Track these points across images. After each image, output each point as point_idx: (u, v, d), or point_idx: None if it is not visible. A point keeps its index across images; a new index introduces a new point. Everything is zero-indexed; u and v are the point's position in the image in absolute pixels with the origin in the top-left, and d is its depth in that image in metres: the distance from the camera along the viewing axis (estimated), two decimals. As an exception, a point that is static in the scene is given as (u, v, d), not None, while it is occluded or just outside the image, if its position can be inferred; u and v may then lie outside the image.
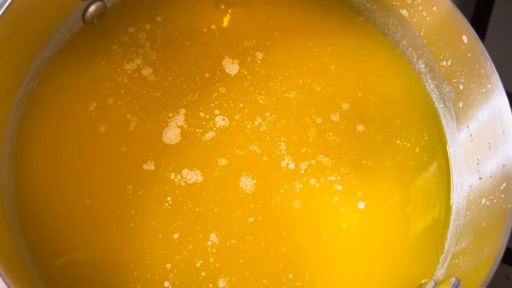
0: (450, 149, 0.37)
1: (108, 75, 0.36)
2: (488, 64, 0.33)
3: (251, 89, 0.37)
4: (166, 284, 0.31)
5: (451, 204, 0.36)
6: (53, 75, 0.35)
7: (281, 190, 0.34)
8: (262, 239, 0.33)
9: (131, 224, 0.32)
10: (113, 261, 0.31)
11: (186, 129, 0.35)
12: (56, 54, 0.36)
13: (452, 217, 0.35)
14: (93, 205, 0.32)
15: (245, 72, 0.37)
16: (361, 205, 0.34)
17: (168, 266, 0.31)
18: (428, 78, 0.39)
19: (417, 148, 0.37)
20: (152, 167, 0.34)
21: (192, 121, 0.35)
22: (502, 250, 0.28)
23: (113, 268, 0.31)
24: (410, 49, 0.39)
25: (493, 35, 0.51)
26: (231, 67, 0.37)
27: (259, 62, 0.38)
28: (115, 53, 0.36)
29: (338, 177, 0.34)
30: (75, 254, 0.31)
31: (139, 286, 0.31)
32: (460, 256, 0.32)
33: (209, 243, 0.32)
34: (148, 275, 0.31)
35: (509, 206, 0.29)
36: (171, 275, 0.31)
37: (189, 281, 0.31)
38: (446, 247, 0.34)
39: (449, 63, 0.36)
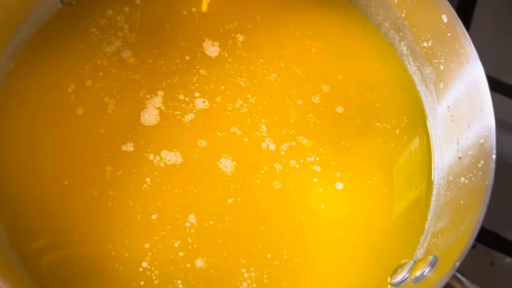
0: (432, 131, 0.37)
1: (87, 58, 0.35)
2: (467, 42, 0.33)
3: (232, 72, 0.36)
4: (144, 264, 0.31)
5: (432, 184, 0.36)
6: (31, 56, 0.35)
7: (261, 172, 0.34)
8: (241, 220, 0.32)
9: (110, 204, 0.32)
10: (91, 241, 0.31)
11: (165, 111, 0.35)
12: (34, 35, 0.35)
13: (433, 197, 0.35)
14: (71, 186, 0.32)
15: (226, 55, 0.37)
16: (339, 185, 0.34)
17: (147, 245, 0.31)
18: (410, 60, 0.39)
19: (398, 130, 0.36)
20: (131, 148, 0.33)
21: (172, 104, 0.35)
22: (478, 226, 0.28)
23: (90, 247, 0.31)
24: (392, 31, 0.39)
25: (479, 22, 0.50)
26: (212, 49, 0.37)
27: (240, 44, 0.37)
28: (94, 36, 0.36)
29: (317, 158, 0.34)
30: (52, 234, 0.31)
31: (116, 265, 0.31)
32: (439, 235, 0.32)
33: (187, 224, 0.32)
34: (126, 254, 0.31)
35: (486, 182, 0.29)
36: (149, 254, 0.31)
37: (167, 261, 0.31)
38: (426, 227, 0.34)
39: (430, 44, 0.36)
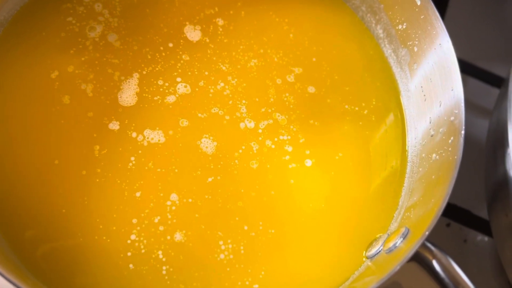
0: (406, 111, 0.38)
1: (70, 43, 0.35)
2: (439, 24, 0.34)
3: (214, 58, 0.37)
4: (133, 237, 0.31)
5: (407, 162, 0.37)
6: (9, 40, 0.35)
7: (240, 151, 0.34)
8: (219, 196, 0.33)
9: (97, 180, 0.32)
10: (79, 215, 0.32)
11: (149, 93, 0.35)
12: (15, 17, 0.35)
13: (406, 174, 0.36)
14: (62, 165, 0.32)
15: (207, 40, 0.37)
16: (308, 162, 0.34)
17: (134, 221, 0.32)
18: (386, 43, 0.40)
19: (366, 111, 0.37)
20: (117, 127, 0.34)
21: (155, 87, 0.35)
22: (447, 197, 0.29)
23: (78, 221, 0.31)
24: (368, 14, 0.40)
25: (454, 7, 0.52)
26: (193, 34, 0.38)
27: (221, 30, 0.38)
28: (72, 26, 0.36)
29: (289, 137, 0.35)
30: (41, 209, 0.32)
31: (104, 237, 0.31)
32: (412, 209, 0.33)
33: (169, 202, 0.32)
34: (114, 228, 0.32)
35: (455, 157, 0.31)
36: (138, 228, 0.32)
37: (149, 235, 0.32)
38: (400, 203, 0.35)
39: (404, 26, 0.37)
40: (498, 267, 0.44)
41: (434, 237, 0.45)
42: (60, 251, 0.31)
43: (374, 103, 0.37)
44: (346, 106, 0.37)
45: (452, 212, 0.45)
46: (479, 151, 0.43)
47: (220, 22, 0.38)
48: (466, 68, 0.50)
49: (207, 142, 0.34)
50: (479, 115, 0.48)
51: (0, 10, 0.34)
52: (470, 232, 0.45)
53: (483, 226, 0.44)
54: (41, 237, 0.31)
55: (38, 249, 0.31)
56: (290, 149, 0.35)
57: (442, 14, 0.49)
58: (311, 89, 0.37)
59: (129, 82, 0.35)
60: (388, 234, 0.33)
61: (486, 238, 0.45)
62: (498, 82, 0.48)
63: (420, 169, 0.35)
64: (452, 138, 0.32)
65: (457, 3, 0.52)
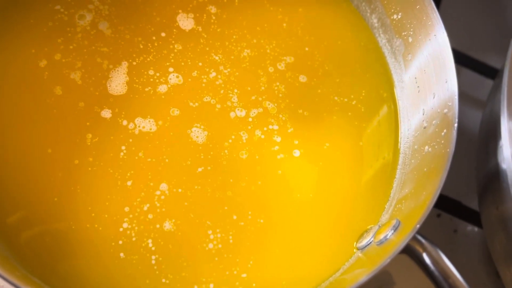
0: (399, 102, 0.38)
1: (58, 32, 0.34)
2: (435, 14, 0.33)
3: (207, 49, 0.36)
4: (125, 225, 0.31)
5: (399, 154, 0.36)
6: None
7: (230, 141, 0.33)
8: (209, 186, 0.32)
9: (89, 169, 0.32)
10: (71, 204, 0.31)
11: (140, 82, 0.35)
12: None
13: (399, 166, 0.36)
14: (54, 153, 0.32)
15: (200, 29, 0.36)
16: (296, 152, 0.33)
17: (126, 209, 0.31)
18: (380, 32, 0.39)
19: (365, 102, 0.36)
20: (109, 115, 0.33)
21: (144, 77, 0.34)
22: (439, 190, 0.28)
23: (70, 210, 0.31)
24: (363, 3, 0.39)
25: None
26: (186, 23, 0.36)
27: (214, 18, 0.36)
28: (61, 14, 0.34)
29: (277, 126, 0.34)
30: (33, 197, 0.31)
31: (96, 225, 0.31)
32: (403, 201, 0.33)
33: (158, 192, 0.32)
34: (106, 215, 0.31)
35: (448, 150, 0.30)
36: (130, 215, 0.31)
37: (139, 224, 0.31)
38: (392, 194, 0.35)
39: (399, 16, 0.36)
40: (487, 258, 0.44)
41: (425, 227, 0.44)
42: (52, 240, 0.30)
43: (366, 93, 0.36)
44: (336, 98, 0.35)
45: (443, 203, 0.45)
46: (471, 142, 0.42)
47: (213, 9, 0.37)
48: (460, 59, 0.49)
49: (198, 131, 0.34)
50: (472, 106, 0.47)
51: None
52: (460, 223, 0.45)
53: (473, 217, 0.44)
54: (33, 226, 0.31)
55: (30, 238, 0.30)
56: (278, 139, 0.34)
57: (437, 3, 0.49)
58: (303, 78, 0.36)
59: (118, 70, 0.34)
60: (379, 226, 0.33)
61: (476, 229, 0.44)
62: (492, 73, 0.48)
63: (412, 161, 0.34)
64: (445, 130, 0.31)
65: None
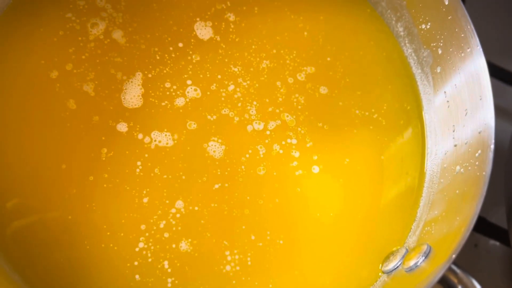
0: (426, 116, 0.35)
1: (69, 42, 0.32)
2: (469, 27, 0.31)
3: (226, 60, 0.34)
4: (141, 245, 0.29)
5: (425, 171, 0.34)
6: (8, 32, 0.31)
7: (247, 156, 0.32)
8: (225, 204, 0.30)
9: (105, 186, 0.30)
10: (85, 222, 0.29)
11: (156, 96, 0.33)
12: (10, 7, 0.32)
13: (425, 184, 0.34)
14: (68, 169, 0.30)
15: (219, 39, 0.34)
16: (315, 169, 0.31)
17: (143, 227, 0.29)
18: (406, 42, 0.36)
19: (390, 115, 0.35)
20: (125, 129, 0.31)
21: (160, 90, 0.33)
22: (475, 218, 0.26)
23: (84, 229, 0.29)
24: (389, 11, 0.37)
25: (476, 4, 0.49)
26: (204, 32, 0.34)
27: (232, 27, 0.34)
28: (72, 23, 0.32)
29: (296, 141, 0.32)
30: (47, 214, 0.29)
31: (111, 245, 0.29)
32: (432, 224, 0.31)
33: (173, 210, 0.30)
34: (122, 234, 0.29)
35: (483, 173, 0.28)
36: (146, 234, 0.29)
37: (157, 242, 0.29)
38: (418, 214, 0.33)
39: (428, 26, 0.34)
40: (509, 274, 0.42)
41: (472, 254, 0.43)
42: (66, 260, 0.29)
43: (388, 106, 0.34)
44: (357, 111, 0.33)
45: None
46: (500, 156, 0.40)
47: (232, 17, 0.35)
48: (493, 71, 0.47)
49: (215, 145, 0.32)
50: (502, 118, 0.45)
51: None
52: (481, 238, 0.43)
53: (498, 234, 0.42)
54: (45, 245, 0.29)
55: (42, 257, 0.29)
56: (297, 154, 0.32)
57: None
58: (323, 90, 0.34)
59: (132, 82, 0.32)
60: (407, 249, 0.30)
61: (497, 244, 0.43)
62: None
63: (442, 180, 0.32)
64: (479, 151, 0.29)
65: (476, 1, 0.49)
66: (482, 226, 0.42)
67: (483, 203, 0.42)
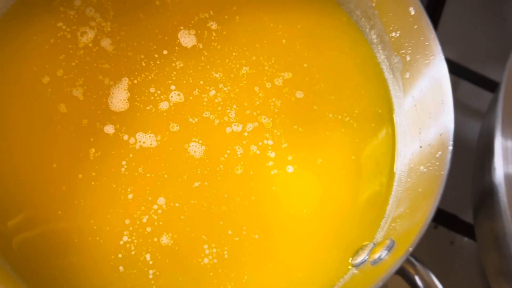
0: (397, 118, 0.37)
1: (59, 50, 0.34)
2: (432, 36, 0.33)
3: (208, 67, 0.35)
4: (125, 238, 0.31)
5: (394, 171, 0.36)
6: (2, 39, 0.33)
7: (225, 156, 0.33)
8: (205, 201, 0.32)
9: (93, 183, 0.32)
10: (74, 218, 0.31)
11: (141, 100, 0.35)
12: (5, 15, 0.34)
13: (394, 183, 0.35)
14: (59, 168, 0.32)
15: (201, 46, 0.36)
16: (290, 168, 0.33)
17: (127, 222, 0.31)
18: (379, 48, 0.38)
19: (363, 117, 0.36)
20: (112, 130, 0.33)
21: (145, 95, 0.34)
22: (432, 213, 0.28)
23: (73, 223, 0.31)
24: (363, 19, 0.39)
25: (452, 7, 0.51)
26: (187, 39, 0.36)
27: (214, 35, 0.36)
28: (63, 31, 0.34)
29: (272, 142, 0.34)
30: (38, 210, 0.31)
31: (97, 238, 0.31)
32: (398, 220, 0.32)
33: (155, 206, 0.32)
34: (108, 228, 0.31)
35: (442, 172, 0.30)
36: (130, 228, 0.31)
37: (140, 236, 0.31)
38: (387, 211, 0.34)
39: (398, 34, 0.36)
40: (482, 271, 0.44)
41: (421, 239, 0.44)
42: (55, 252, 0.30)
43: (360, 110, 0.35)
44: (330, 115, 0.35)
45: (440, 216, 0.45)
46: (469, 155, 0.42)
47: (214, 26, 0.37)
48: (461, 71, 0.49)
49: (196, 146, 0.34)
50: (472, 118, 0.47)
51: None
52: (457, 236, 0.45)
53: (469, 231, 0.44)
54: (34, 239, 0.31)
55: (31, 250, 0.31)
56: (272, 155, 0.34)
57: (438, 16, 0.48)
58: (299, 94, 0.36)
59: (118, 87, 0.34)
60: (374, 244, 0.32)
61: (472, 242, 0.44)
62: (492, 86, 0.47)
63: (408, 179, 0.34)
64: (440, 152, 0.31)
65: (454, 5, 0.51)
66: (457, 224, 0.44)
67: (458, 203, 0.44)
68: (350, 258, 0.32)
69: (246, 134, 0.34)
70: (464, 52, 0.50)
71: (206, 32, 0.36)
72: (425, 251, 0.45)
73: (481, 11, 0.52)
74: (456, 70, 0.49)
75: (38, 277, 0.30)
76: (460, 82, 0.50)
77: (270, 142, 0.34)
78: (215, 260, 0.31)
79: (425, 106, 0.33)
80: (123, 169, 0.32)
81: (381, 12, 0.36)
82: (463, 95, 0.50)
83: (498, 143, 0.29)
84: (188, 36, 0.36)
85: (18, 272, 0.30)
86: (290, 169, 0.33)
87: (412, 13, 0.33)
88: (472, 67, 0.49)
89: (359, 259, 0.32)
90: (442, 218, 0.44)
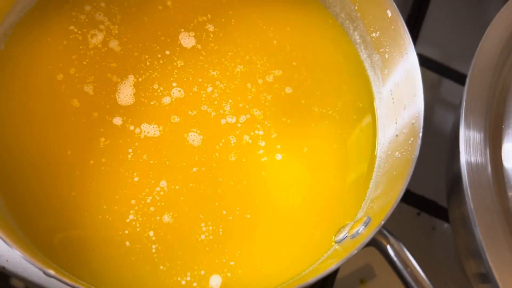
0: (378, 111, 0.41)
1: (72, 50, 0.37)
2: (406, 35, 0.37)
3: (206, 65, 0.39)
4: (131, 217, 0.34)
5: (375, 158, 0.39)
6: (21, 39, 0.37)
7: (220, 144, 0.37)
8: (202, 184, 0.35)
9: (103, 168, 0.35)
10: (86, 198, 0.34)
11: (145, 96, 0.38)
12: (23, 18, 0.37)
13: (375, 169, 0.39)
14: (73, 155, 0.35)
15: (200, 47, 0.39)
16: (278, 156, 0.37)
17: (133, 202, 0.35)
18: (362, 48, 0.42)
19: (344, 110, 0.39)
20: (120, 122, 0.36)
21: (149, 91, 0.38)
22: (403, 191, 0.31)
23: (85, 203, 0.34)
24: (347, 21, 0.42)
25: (435, 9, 0.54)
26: (188, 41, 0.40)
27: (212, 37, 0.39)
28: (75, 34, 0.38)
29: (262, 132, 0.37)
30: (55, 191, 0.34)
31: (107, 216, 0.34)
32: (375, 201, 0.36)
33: (158, 188, 0.35)
34: (116, 207, 0.34)
35: (413, 156, 0.33)
36: (136, 207, 0.34)
37: (144, 215, 0.35)
38: (367, 194, 0.38)
39: (377, 35, 0.40)
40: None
41: (405, 224, 0.48)
42: (67, 227, 0.34)
43: (343, 104, 0.39)
44: (316, 109, 0.38)
45: (422, 203, 0.48)
46: (442, 145, 0.45)
47: (211, 28, 0.40)
48: (444, 70, 0.53)
49: (194, 136, 0.37)
50: (451, 112, 0.50)
51: (10, 13, 0.37)
52: (438, 221, 0.48)
53: (447, 216, 0.47)
54: (51, 216, 0.34)
55: (46, 222, 0.34)
56: (263, 144, 0.37)
57: (422, 18, 0.52)
58: (288, 90, 0.39)
59: (125, 83, 0.38)
60: (354, 222, 0.36)
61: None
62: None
63: (386, 165, 0.37)
64: (412, 139, 0.34)
65: (437, 8, 0.54)
66: (438, 210, 0.47)
67: (440, 191, 0.47)
68: (334, 236, 0.36)
69: (239, 125, 0.37)
70: (446, 52, 0.53)
71: (204, 34, 0.40)
72: (409, 237, 0.48)
73: (463, 14, 0.55)
74: (439, 69, 0.52)
75: (50, 247, 0.33)
76: (443, 80, 0.53)
77: (261, 133, 0.37)
78: (211, 237, 0.34)
79: (400, 98, 0.37)
80: (129, 156, 0.36)
81: (363, 15, 0.39)
82: (445, 92, 0.53)
83: (462, 132, 0.32)
84: (188, 38, 0.39)
85: (32, 240, 0.33)
86: (278, 156, 0.37)
87: (389, 15, 0.36)
88: (454, 66, 0.52)
89: (341, 235, 0.35)
90: (424, 205, 0.47)
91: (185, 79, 0.38)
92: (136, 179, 0.35)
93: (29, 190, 0.34)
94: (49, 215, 0.34)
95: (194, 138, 0.37)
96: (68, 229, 0.34)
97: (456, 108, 0.50)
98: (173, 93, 0.37)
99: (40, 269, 0.28)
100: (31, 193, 0.34)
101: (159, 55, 0.38)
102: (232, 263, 0.33)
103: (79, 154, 0.35)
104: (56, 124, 0.36)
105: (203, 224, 0.34)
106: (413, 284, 0.29)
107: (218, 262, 0.33)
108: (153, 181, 0.35)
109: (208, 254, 0.33)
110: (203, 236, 0.34)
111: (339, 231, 0.36)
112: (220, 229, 0.34)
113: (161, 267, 0.33)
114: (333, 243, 0.35)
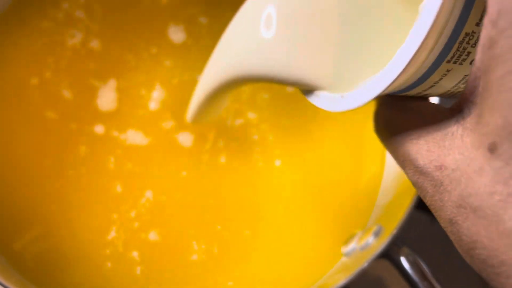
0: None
1: (48, 51, 0.34)
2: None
3: (198, 64, 0.36)
4: (113, 234, 0.31)
5: (385, 164, 0.36)
6: None
7: (213, 147, 0.34)
8: (191, 193, 0.32)
9: (83, 179, 0.32)
10: (65, 211, 0.31)
11: (128, 98, 0.35)
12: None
13: (384, 175, 0.35)
14: (52, 164, 0.32)
15: (191, 43, 0.36)
16: (277, 162, 0.33)
17: (115, 216, 0.31)
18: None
19: (349, 112, 0.37)
20: (101, 129, 0.33)
21: (133, 93, 0.35)
22: (415, 198, 0.28)
23: (64, 217, 0.31)
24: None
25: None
26: (177, 36, 0.37)
27: (204, 30, 0.36)
28: (51, 32, 0.35)
29: (256, 137, 0.34)
30: (32, 204, 0.31)
31: (86, 233, 0.31)
32: (386, 207, 0.32)
33: (143, 200, 0.32)
34: (96, 222, 0.31)
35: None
36: (118, 223, 0.31)
37: (127, 232, 0.31)
38: (377, 202, 0.35)
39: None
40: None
41: (419, 232, 0.44)
42: (45, 246, 0.31)
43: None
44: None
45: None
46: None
47: (204, 20, 0.37)
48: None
49: (185, 136, 0.34)
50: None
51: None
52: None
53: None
54: (29, 231, 0.31)
55: (26, 242, 0.31)
56: (258, 148, 0.34)
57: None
58: (290, 88, 0.36)
59: (107, 87, 0.34)
60: (363, 231, 0.32)
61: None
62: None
63: (397, 168, 0.34)
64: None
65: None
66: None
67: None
68: (342, 247, 0.32)
69: (234, 127, 0.34)
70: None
71: (196, 26, 0.36)
72: (424, 247, 0.44)
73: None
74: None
75: (25, 264, 0.30)
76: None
77: (256, 137, 0.34)
78: (204, 256, 0.31)
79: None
80: (111, 165, 0.32)
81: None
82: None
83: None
84: (178, 32, 0.36)
85: (7, 258, 0.29)
86: (277, 162, 0.33)
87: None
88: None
89: (349, 247, 0.31)
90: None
91: (172, 79, 0.34)
92: (118, 188, 0.31)
93: (6, 205, 0.31)
94: (27, 230, 0.31)
95: (184, 140, 0.33)
96: (43, 245, 0.30)
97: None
98: (159, 94, 0.34)
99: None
100: (3, 206, 0.31)
101: (145, 54, 0.35)
102: (230, 283, 0.29)
103: (57, 164, 0.32)
104: (31, 133, 0.33)
105: (194, 242, 0.30)
106: (431, 299, 0.25)
107: (213, 284, 0.29)
108: (137, 192, 0.31)
109: (201, 275, 0.30)
110: (195, 256, 0.30)
111: (347, 242, 0.32)
112: (215, 248, 0.30)
113: (147, 290, 0.29)
114: (341, 256, 0.31)
